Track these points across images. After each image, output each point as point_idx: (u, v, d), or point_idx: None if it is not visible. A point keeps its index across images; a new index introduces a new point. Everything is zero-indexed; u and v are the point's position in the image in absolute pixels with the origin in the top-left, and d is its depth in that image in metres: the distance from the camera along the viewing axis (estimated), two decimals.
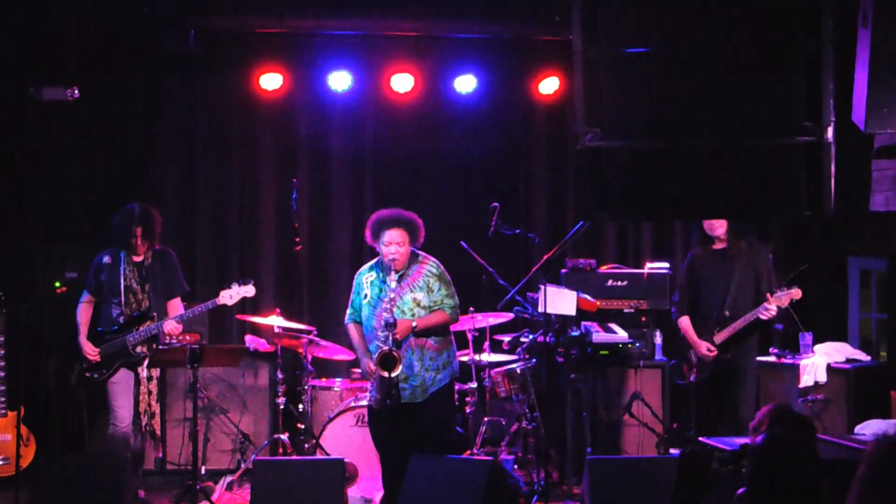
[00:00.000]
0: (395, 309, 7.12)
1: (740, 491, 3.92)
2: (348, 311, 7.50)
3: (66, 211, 9.17)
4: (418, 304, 7.23)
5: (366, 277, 7.41)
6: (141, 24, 8.88)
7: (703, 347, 8.17)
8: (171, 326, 7.80)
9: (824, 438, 6.55)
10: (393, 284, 7.16)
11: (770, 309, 7.87)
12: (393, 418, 7.19)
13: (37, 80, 8.68)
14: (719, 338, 8.07)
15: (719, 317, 8.09)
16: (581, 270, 9.07)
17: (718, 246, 8.24)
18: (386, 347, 7.04)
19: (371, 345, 7.27)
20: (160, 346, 7.79)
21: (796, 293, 7.92)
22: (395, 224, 7.23)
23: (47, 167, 9.11)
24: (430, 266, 7.35)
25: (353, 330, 7.47)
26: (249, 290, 8.00)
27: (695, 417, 8.30)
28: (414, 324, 7.14)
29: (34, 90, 8.62)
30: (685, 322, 8.38)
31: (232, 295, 7.93)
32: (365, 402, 7.72)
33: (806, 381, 8.55)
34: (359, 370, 8.03)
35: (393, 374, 7.03)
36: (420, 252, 7.39)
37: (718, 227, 8.16)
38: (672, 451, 8.45)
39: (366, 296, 7.34)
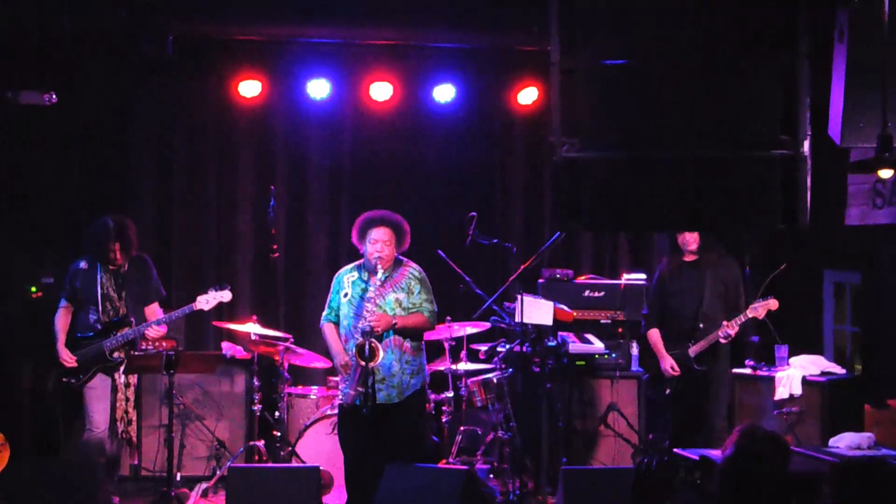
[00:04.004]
0: (376, 309, 7.08)
1: None
2: (325, 312, 7.44)
3: (42, 216, 9.11)
4: (399, 305, 7.20)
5: (347, 277, 7.36)
6: (119, 29, 8.84)
7: (668, 364, 8.21)
8: (153, 332, 7.78)
9: (798, 451, 6.59)
10: (377, 283, 7.14)
11: (730, 334, 8.00)
12: (365, 420, 7.04)
13: (13, 84, 8.63)
14: (694, 350, 8.10)
15: (693, 329, 8.10)
16: (558, 280, 9.08)
17: (688, 258, 8.27)
18: (364, 340, 6.98)
19: (348, 343, 7.22)
20: (136, 352, 7.78)
21: (773, 304, 7.98)
22: (382, 223, 7.23)
23: (23, 171, 9.05)
24: (412, 269, 7.34)
25: (328, 329, 7.39)
26: (226, 296, 7.98)
27: (671, 429, 8.32)
28: (395, 321, 7.11)
29: (11, 94, 8.58)
30: (655, 335, 8.42)
31: (208, 300, 7.91)
32: None
33: (781, 393, 8.58)
34: (335, 378, 8.00)
35: (371, 364, 6.96)
36: (404, 258, 7.39)
37: (692, 242, 8.19)
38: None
39: (346, 294, 7.28)
